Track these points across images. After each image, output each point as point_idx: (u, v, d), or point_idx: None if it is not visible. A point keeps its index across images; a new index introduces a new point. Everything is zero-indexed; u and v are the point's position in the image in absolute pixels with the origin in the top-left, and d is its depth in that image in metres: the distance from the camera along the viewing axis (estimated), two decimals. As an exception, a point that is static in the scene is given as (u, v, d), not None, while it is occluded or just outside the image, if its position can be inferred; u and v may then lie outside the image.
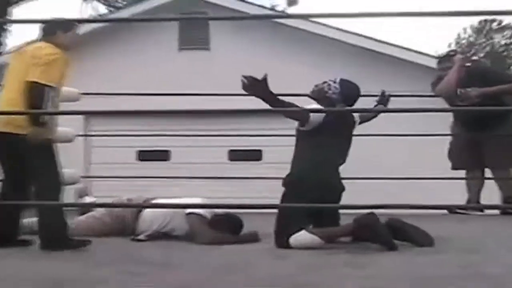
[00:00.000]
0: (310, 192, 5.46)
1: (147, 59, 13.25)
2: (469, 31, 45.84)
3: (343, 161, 5.99)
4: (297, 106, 5.61)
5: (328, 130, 5.69)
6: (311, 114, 5.63)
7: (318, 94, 6.06)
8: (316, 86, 6.13)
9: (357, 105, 6.06)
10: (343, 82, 6.05)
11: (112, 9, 29.43)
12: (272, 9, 24.56)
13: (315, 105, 5.93)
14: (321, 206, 5.38)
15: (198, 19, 14.16)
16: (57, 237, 5.37)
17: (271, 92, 5.33)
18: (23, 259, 5.02)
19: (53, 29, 5.66)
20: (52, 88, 5.34)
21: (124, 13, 15.13)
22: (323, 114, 5.72)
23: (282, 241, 5.49)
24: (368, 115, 6.45)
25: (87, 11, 29.81)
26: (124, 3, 28.77)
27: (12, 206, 5.53)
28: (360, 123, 6.28)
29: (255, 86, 5.31)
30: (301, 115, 5.64)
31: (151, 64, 13.11)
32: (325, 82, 6.07)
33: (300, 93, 6.28)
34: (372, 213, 5.38)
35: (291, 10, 30.65)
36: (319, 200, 5.34)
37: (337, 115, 5.98)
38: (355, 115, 6.22)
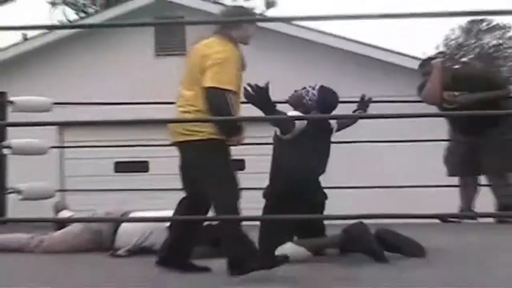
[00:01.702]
0: (293, 204, 5.44)
1: (122, 66, 13.20)
2: (457, 32, 46.06)
3: (324, 170, 6.00)
4: (285, 114, 5.63)
5: (307, 139, 5.68)
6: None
7: (295, 101, 6.05)
8: (295, 91, 6.12)
9: (336, 111, 6.06)
10: (322, 89, 6.03)
11: (82, 14, 29.34)
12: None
13: (296, 112, 5.94)
14: (307, 217, 5.38)
15: (173, 24, 14.13)
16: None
17: (270, 101, 5.23)
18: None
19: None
20: (231, 92, 4.86)
21: (96, 19, 15.08)
22: (304, 122, 5.69)
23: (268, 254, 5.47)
24: (347, 121, 6.44)
25: (57, 16, 29.76)
26: (95, 8, 28.69)
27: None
28: (338, 130, 6.28)
29: (258, 94, 5.24)
30: (287, 123, 5.60)
31: (126, 72, 13.05)
32: (304, 88, 6.06)
33: (279, 97, 6.20)
34: (361, 223, 5.40)
35: (270, 13, 30.64)
36: (303, 211, 5.34)
37: (314, 122, 5.90)
38: (332, 122, 6.23)
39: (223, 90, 4.78)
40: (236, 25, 5.12)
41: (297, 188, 5.60)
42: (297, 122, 5.63)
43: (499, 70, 41.49)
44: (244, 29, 5.16)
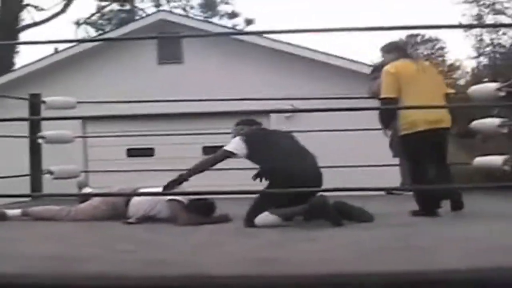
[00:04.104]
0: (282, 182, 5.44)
1: (132, 71, 13.15)
2: (399, 43, 46.25)
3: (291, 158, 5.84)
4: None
5: (264, 145, 5.88)
6: (235, 150, 5.84)
7: (237, 132, 6.21)
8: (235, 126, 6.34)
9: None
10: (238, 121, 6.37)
11: (101, 31, 29.20)
12: (233, 28, 24.56)
13: (237, 138, 6.01)
14: (286, 191, 5.35)
15: (172, 38, 14.07)
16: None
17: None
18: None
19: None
20: None
21: (112, 35, 15.05)
22: (245, 147, 5.83)
23: (249, 221, 5.47)
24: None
25: (80, 34, 29.69)
26: (111, 27, 28.61)
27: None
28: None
29: None
30: (224, 156, 5.94)
31: (136, 76, 13.01)
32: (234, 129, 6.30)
33: (255, 96, 6.19)
34: (322, 196, 5.39)
35: (249, 28, 30.72)
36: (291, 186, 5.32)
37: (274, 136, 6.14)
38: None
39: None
40: None
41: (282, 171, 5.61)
42: (239, 147, 5.84)
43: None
44: None
